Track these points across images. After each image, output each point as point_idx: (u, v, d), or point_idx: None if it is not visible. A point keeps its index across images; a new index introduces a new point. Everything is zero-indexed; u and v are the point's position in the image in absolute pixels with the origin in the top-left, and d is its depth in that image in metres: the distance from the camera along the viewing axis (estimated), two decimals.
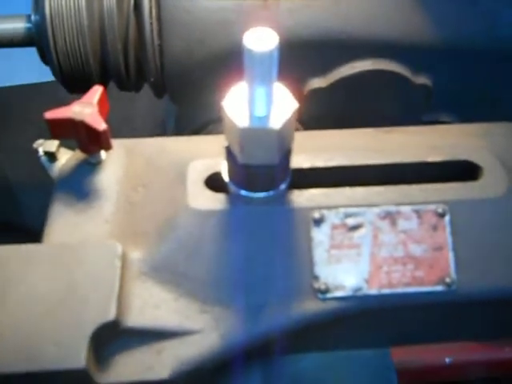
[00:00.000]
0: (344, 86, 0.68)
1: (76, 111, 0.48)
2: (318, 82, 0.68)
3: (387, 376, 0.48)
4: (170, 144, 0.52)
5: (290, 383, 0.47)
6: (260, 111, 0.39)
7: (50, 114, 0.48)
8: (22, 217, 1.26)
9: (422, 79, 0.68)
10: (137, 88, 0.75)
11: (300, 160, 0.47)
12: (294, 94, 0.70)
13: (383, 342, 0.49)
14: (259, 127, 0.39)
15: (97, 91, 0.50)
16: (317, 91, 0.68)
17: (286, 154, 0.42)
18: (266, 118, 0.39)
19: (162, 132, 1.09)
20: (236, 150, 0.41)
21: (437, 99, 0.69)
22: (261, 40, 0.36)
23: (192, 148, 0.50)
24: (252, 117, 0.39)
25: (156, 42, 0.67)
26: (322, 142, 0.51)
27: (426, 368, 0.89)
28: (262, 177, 0.42)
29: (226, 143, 0.42)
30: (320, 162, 0.47)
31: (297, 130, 0.70)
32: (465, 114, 0.70)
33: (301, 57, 0.66)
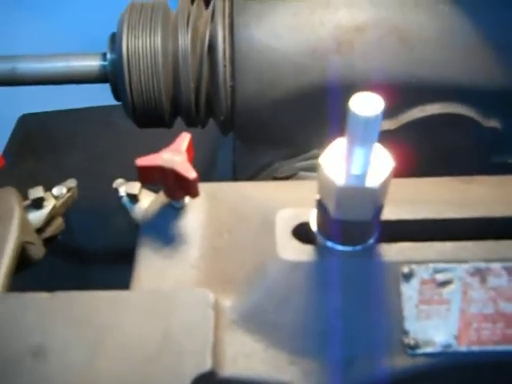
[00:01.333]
0: (413, 128, 0.68)
1: (166, 159, 0.49)
2: (387, 124, 0.69)
3: None
4: (253, 189, 0.53)
5: None
6: (357, 170, 0.40)
7: (141, 162, 0.49)
8: (73, 239, 1.29)
9: (491, 122, 0.68)
10: (203, 124, 0.77)
11: (385, 211, 0.47)
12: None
13: None
14: (356, 186, 0.40)
15: (185, 138, 0.51)
16: (386, 133, 0.69)
17: (379, 210, 0.43)
18: (363, 176, 0.40)
19: (211, 165, 1.10)
20: (330, 206, 0.42)
21: (506, 142, 0.69)
22: (367, 104, 0.37)
23: (277, 195, 0.51)
24: (349, 175, 0.40)
25: (228, 82, 0.69)
26: (404, 192, 0.51)
27: None
28: (354, 232, 0.43)
29: (317, 196, 0.43)
30: (406, 215, 0.47)
31: None
32: None
33: None
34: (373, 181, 0.40)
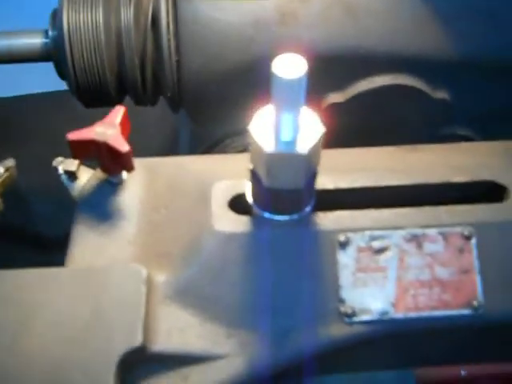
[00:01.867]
0: (362, 100, 0.67)
1: (98, 132, 0.48)
2: (335, 97, 0.68)
3: None
4: (191, 164, 0.52)
5: None
6: (287, 136, 0.39)
7: (72, 136, 0.48)
8: (34, 224, 1.27)
9: (440, 94, 0.68)
10: (152, 102, 0.75)
11: (323, 181, 0.47)
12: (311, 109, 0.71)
13: (407, 364, 0.48)
14: (286, 152, 0.39)
15: (119, 111, 0.50)
16: (335, 106, 0.68)
17: (312, 178, 0.42)
18: (293, 142, 0.39)
19: (174, 142, 1.09)
20: (262, 174, 0.41)
21: (456, 114, 0.69)
22: (290, 66, 0.36)
23: (214, 168, 0.50)
24: (279, 142, 0.39)
25: (174, 57, 0.67)
26: (344, 162, 0.51)
27: (442, 380, 0.88)
28: (287, 200, 0.42)
29: (251, 166, 0.42)
30: (344, 183, 0.47)
31: None
32: (483, 129, 0.70)
33: (318, 72, 0.66)
34: (303, 146, 0.39)
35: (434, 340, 0.45)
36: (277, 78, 0.36)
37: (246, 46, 0.64)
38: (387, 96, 0.67)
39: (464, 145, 0.54)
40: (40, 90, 1.31)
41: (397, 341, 0.45)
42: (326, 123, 0.69)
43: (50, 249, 1.26)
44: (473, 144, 0.55)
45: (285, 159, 0.39)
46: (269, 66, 0.65)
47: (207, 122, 0.73)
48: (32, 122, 1.29)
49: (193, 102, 0.70)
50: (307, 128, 0.40)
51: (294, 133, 0.39)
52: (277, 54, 0.66)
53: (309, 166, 0.40)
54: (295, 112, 0.38)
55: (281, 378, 0.45)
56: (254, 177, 0.42)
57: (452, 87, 0.68)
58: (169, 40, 0.66)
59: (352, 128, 0.71)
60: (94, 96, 0.72)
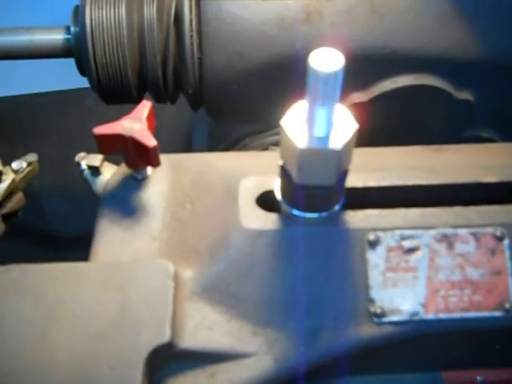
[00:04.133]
0: (385, 100, 0.67)
1: (125, 127, 0.47)
2: (359, 97, 0.67)
3: None
4: (217, 160, 0.51)
5: None
6: (320, 132, 0.38)
7: (98, 130, 0.47)
8: (46, 222, 1.27)
9: (464, 94, 0.67)
10: (172, 100, 0.75)
11: (352, 179, 0.46)
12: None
13: (436, 366, 0.48)
14: (319, 148, 0.38)
15: (145, 106, 0.49)
16: (358, 105, 0.67)
17: (343, 175, 0.42)
18: (326, 138, 0.39)
19: (188, 142, 1.09)
20: (293, 170, 0.40)
21: (479, 115, 0.68)
22: (327, 60, 0.35)
23: (240, 165, 0.50)
24: (312, 137, 0.38)
25: (196, 54, 0.67)
26: (372, 160, 0.50)
27: None
28: (317, 198, 0.42)
29: (281, 162, 0.42)
30: (373, 182, 0.46)
31: None
32: (507, 131, 0.69)
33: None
34: (336, 142, 0.38)
35: (463, 343, 0.45)
36: (313, 71, 0.35)
37: (269, 45, 0.64)
38: (410, 96, 0.67)
39: (490, 145, 0.54)
40: (52, 89, 1.31)
41: (426, 342, 0.44)
42: None
43: (61, 246, 1.26)
44: (499, 145, 0.55)
45: (317, 155, 0.39)
46: (292, 65, 0.65)
47: (227, 121, 0.73)
48: (44, 119, 1.30)
49: (214, 100, 0.70)
50: (340, 124, 0.39)
51: (328, 128, 0.38)
52: (300, 53, 0.66)
53: (341, 162, 0.39)
54: (330, 107, 0.37)
55: (309, 378, 0.44)
56: (285, 173, 0.42)
57: (476, 88, 0.67)
58: (191, 37, 0.66)
59: (375, 128, 0.70)
60: (114, 92, 0.71)
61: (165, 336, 0.39)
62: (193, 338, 0.41)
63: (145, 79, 0.70)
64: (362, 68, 0.65)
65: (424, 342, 0.44)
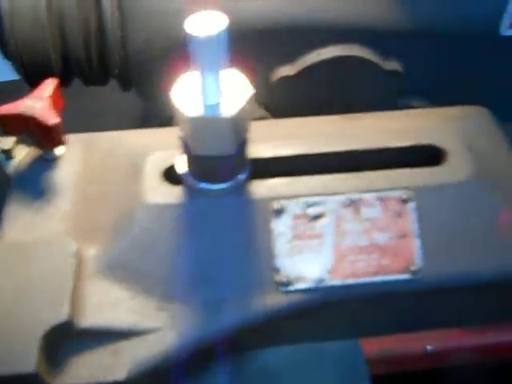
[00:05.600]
0: (313, 73, 0.66)
1: (27, 106, 0.46)
2: (285, 70, 0.67)
3: (357, 367, 0.47)
4: (128, 137, 0.50)
5: (257, 378, 0.46)
6: (211, 99, 0.38)
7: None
8: None
9: (391, 64, 0.67)
10: (102, 82, 0.73)
11: (261, 149, 0.45)
12: (262, 83, 0.69)
13: (353, 333, 0.48)
14: (210, 116, 0.37)
15: (50, 84, 0.48)
16: (285, 79, 0.67)
17: (242, 144, 0.41)
18: (218, 106, 0.38)
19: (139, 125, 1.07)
20: (189, 141, 0.39)
21: (409, 85, 0.68)
22: (207, 23, 0.34)
23: (151, 141, 0.49)
24: (203, 106, 0.38)
25: (118, 32, 0.65)
26: (286, 131, 0.49)
27: (407, 357, 0.88)
28: (217, 168, 0.41)
29: (180, 134, 0.41)
30: (281, 151, 0.46)
31: (265, 118, 0.70)
32: (438, 100, 0.69)
33: (266, 44, 0.65)
34: (228, 110, 0.37)
35: (375, 308, 0.45)
36: (191, 37, 0.35)
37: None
38: (337, 68, 0.66)
39: (404, 112, 0.53)
40: None
41: (337, 309, 0.44)
42: (276, 97, 0.69)
43: None
44: (413, 111, 0.54)
45: (209, 123, 0.38)
46: None
47: (156, 99, 0.71)
48: None
49: (140, 79, 0.68)
50: (235, 91, 0.38)
51: (219, 95, 0.38)
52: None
53: (236, 130, 0.39)
54: (216, 72, 0.36)
55: (222, 351, 0.44)
56: (184, 145, 0.41)
57: (403, 57, 0.67)
58: (112, 14, 0.64)
59: (305, 101, 0.70)
60: (40, 76, 0.69)
61: (62, 314, 0.38)
62: (95, 316, 0.40)
63: (69, 60, 0.68)
64: (286, 40, 0.64)
65: (336, 309, 0.44)
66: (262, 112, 0.72)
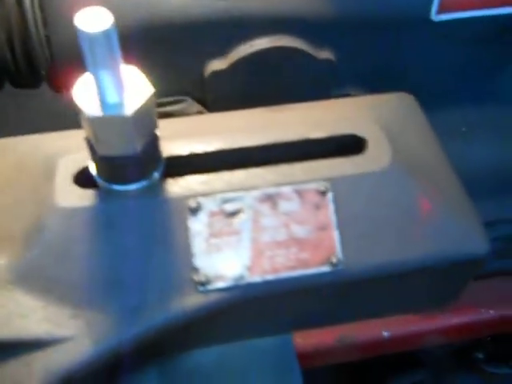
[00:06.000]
0: (245, 65, 0.65)
1: None
2: (218, 64, 0.65)
3: (288, 361, 0.46)
4: (46, 140, 0.48)
5: (188, 380, 0.45)
6: (110, 98, 0.36)
7: None
8: None
9: (324, 54, 0.66)
10: (33, 84, 0.71)
11: (177, 146, 0.44)
12: (195, 77, 0.68)
13: (283, 328, 0.47)
14: (110, 115, 0.36)
15: None
16: (218, 73, 0.66)
17: (152, 142, 0.40)
18: (119, 104, 0.36)
19: None
20: (93, 141, 0.38)
21: (342, 73, 0.68)
22: (95, 20, 0.33)
23: (69, 143, 0.47)
24: (103, 104, 0.36)
25: (42, 31, 0.63)
26: (205, 126, 0.48)
27: (365, 343, 0.88)
28: (125, 168, 0.40)
29: (85, 134, 0.39)
30: (198, 148, 0.44)
31: (200, 113, 0.68)
32: (374, 87, 0.69)
33: (196, 38, 0.63)
34: (128, 108, 0.36)
35: (301, 302, 0.44)
36: (82, 33, 0.33)
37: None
38: (270, 59, 0.65)
39: (329, 101, 0.53)
40: None
41: (261, 306, 0.43)
42: (211, 91, 0.67)
43: None
44: (338, 100, 0.54)
45: (110, 123, 0.36)
46: (140, 35, 0.62)
47: None
48: None
49: (69, 79, 0.66)
50: (135, 89, 0.37)
51: (118, 94, 0.36)
52: (146, 22, 0.63)
53: (139, 128, 0.37)
54: (111, 70, 0.35)
55: (145, 356, 0.43)
56: (89, 146, 0.39)
57: (335, 46, 0.66)
58: (34, 13, 0.62)
59: (240, 94, 0.69)
60: None
61: None
62: (3, 328, 0.38)
63: None
64: (215, 33, 0.63)
65: (260, 306, 0.43)
66: (199, 107, 0.70)
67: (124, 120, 0.36)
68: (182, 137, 0.45)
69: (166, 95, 0.68)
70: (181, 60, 0.66)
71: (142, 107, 0.36)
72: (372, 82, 0.69)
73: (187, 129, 0.47)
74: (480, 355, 1.08)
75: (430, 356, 1.08)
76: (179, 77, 0.67)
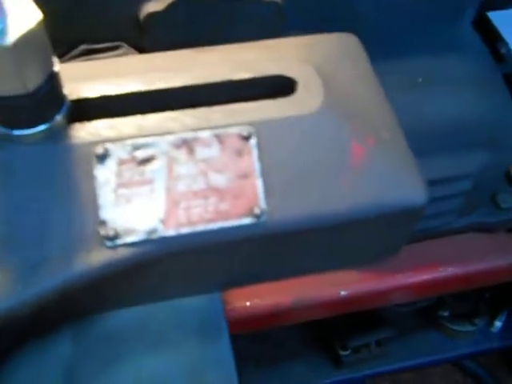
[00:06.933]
0: (184, 7, 0.60)
1: None
2: (154, 5, 0.60)
3: (215, 322, 0.43)
4: None
5: (104, 342, 0.42)
6: None
7: None
8: None
9: None
10: None
11: (87, 89, 0.40)
12: (130, 21, 0.63)
13: (210, 287, 0.44)
14: None
15: None
16: (154, 16, 0.60)
17: (47, 80, 0.35)
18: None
19: None
20: None
21: (289, 17, 0.63)
22: None
23: None
24: None
25: None
26: (124, 68, 0.44)
27: (322, 302, 0.87)
28: (18, 110, 0.35)
29: None
30: (110, 90, 0.40)
31: None
32: (318, 31, 0.65)
33: None
34: (10, 36, 0.32)
35: (222, 258, 0.41)
36: None
37: None
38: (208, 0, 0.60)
39: (262, 42, 0.48)
40: None
41: (178, 262, 0.40)
42: (148, 35, 0.62)
43: None
44: (273, 40, 0.49)
45: None
46: None
47: None
48: None
49: None
50: (21, 16, 0.33)
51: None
52: None
53: (28, 61, 0.33)
54: None
55: (54, 316, 0.40)
56: None
57: None
58: None
59: (178, 39, 0.64)
60: None
61: None
62: None
63: None
64: None
65: (175, 262, 0.40)
66: (135, 54, 0.66)
67: (5, 49, 0.32)
68: (95, 79, 0.41)
69: (100, 41, 0.63)
70: (114, 2, 0.61)
71: (26, 35, 0.32)
72: (322, 26, 0.65)
73: (103, 71, 0.43)
74: (444, 313, 1.08)
75: (394, 314, 1.08)
76: (113, 21, 0.62)
